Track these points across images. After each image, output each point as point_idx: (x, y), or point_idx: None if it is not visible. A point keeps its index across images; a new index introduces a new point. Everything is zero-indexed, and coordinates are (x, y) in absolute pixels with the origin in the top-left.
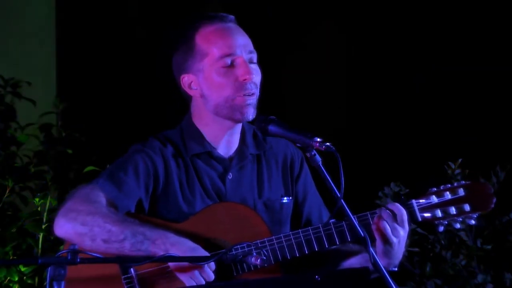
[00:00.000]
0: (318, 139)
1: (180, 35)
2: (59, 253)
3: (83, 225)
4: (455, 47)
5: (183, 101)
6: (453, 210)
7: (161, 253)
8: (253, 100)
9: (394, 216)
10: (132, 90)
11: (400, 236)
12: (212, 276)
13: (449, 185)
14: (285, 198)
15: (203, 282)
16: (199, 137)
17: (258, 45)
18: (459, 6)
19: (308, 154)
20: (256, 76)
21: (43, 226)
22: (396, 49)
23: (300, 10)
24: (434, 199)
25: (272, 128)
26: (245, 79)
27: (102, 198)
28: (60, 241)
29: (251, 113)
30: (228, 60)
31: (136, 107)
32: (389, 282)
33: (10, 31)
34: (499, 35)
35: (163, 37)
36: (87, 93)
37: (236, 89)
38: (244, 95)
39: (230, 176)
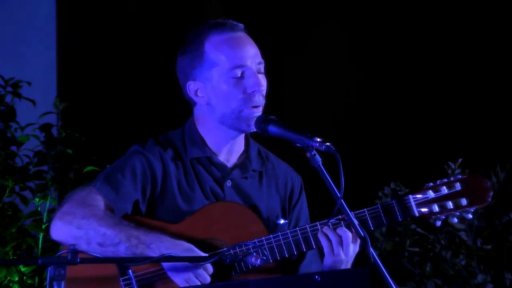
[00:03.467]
0: (318, 139)
1: (187, 40)
2: (59, 253)
3: (79, 228)
4: (455, 47)
5: (185, 103)
6: (450, 204)
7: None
8: (259, 112)
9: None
10: (132, 90)
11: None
12: (208, 279)
13: (446, 180)
14: (281, 219)
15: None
16: (201, 142)
17: (258, 45)
18: (459, 6)
19: (308, 154)
20: (264, 87)
21: (43, 226)
22: (396, 49)
23: (300, 10)
24: (431, 194)
25: (272, 128)
26: (253, 91)
27: (99, 201)
28: None
29: None
30: (238, 72)
31: (136, 107)
32: (389, 282)
33: (11, 31)
34: (499, 35)
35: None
36: (87, 93)
37: (244, 101)
38: (252, 107)
39: (229, 183)
